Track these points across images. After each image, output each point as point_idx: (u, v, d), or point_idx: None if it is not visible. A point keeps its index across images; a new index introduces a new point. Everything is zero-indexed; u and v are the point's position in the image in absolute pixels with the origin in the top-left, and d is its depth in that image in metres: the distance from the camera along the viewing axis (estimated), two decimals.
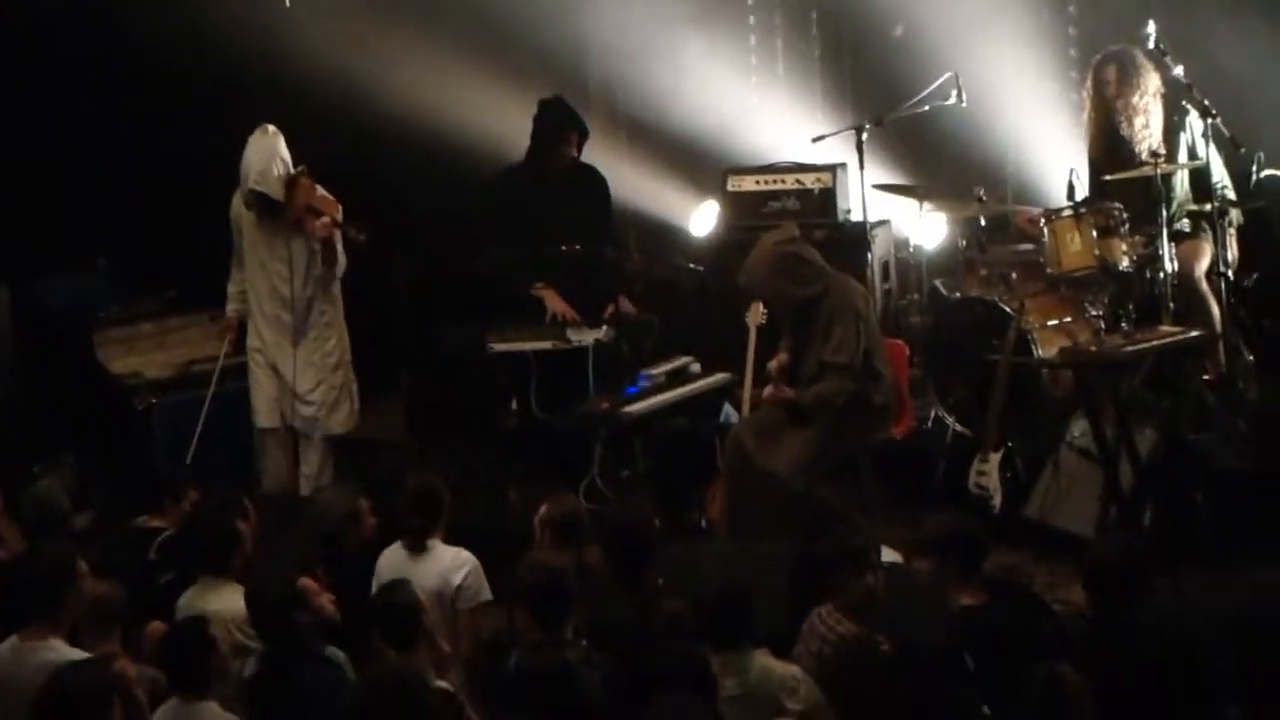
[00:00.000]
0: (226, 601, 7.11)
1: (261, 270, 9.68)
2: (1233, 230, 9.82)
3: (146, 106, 10.96)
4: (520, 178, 10.46)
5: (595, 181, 10.55)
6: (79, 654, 6.46)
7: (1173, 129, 9.90)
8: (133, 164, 10.86)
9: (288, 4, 9.83)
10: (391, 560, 7.59)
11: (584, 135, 10.42)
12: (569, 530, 7.51)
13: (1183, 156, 9.86)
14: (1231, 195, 9.84)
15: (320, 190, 9.58)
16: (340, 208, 9.56)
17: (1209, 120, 9.64)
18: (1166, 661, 5.89)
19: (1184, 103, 9.80)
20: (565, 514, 7.59)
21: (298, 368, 9.64)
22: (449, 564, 7.47)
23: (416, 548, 7.57)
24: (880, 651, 6.36)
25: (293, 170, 9.52)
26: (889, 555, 8.37)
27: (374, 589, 7.37)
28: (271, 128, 9.56)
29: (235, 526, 7.50)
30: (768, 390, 8.98)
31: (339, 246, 9.59)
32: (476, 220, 10.64)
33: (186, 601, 7.30)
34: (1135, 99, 9.88)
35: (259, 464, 9.83)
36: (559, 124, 10.36)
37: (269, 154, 9.47)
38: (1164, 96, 9.91)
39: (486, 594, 7.51)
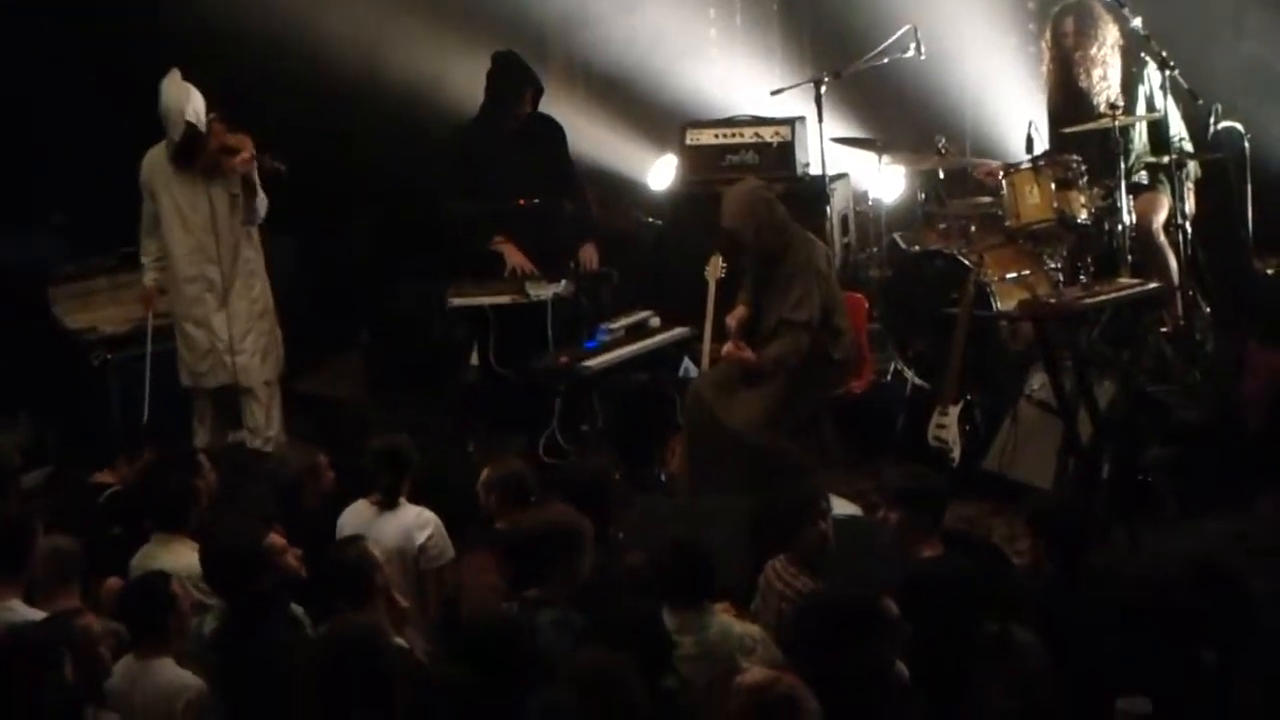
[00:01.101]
0: (181, 558, 7.06)
1: (183, 229, 9.52)
2: (1190, 184, 9.84)
3: (102, 61, 10.87)
4: (477, 132, 10.42)
5: (553, 131, 10.52)
6: (37, 614, 6.42)
7: (1131, 81, 9.91)
8: (88, 119, 10.77)
9: None
10: (355, 517, 7.54)
11: (539, 91, 10.38)
12: (513, 493, 7.47)
13: (1141, 108, 9.87)
14: (1189, 147, 9.85)
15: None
16: (252, 143, 9.45)
17: (1167, 72, 9.66)
18: (1138, 608, 5.89)
19: (1142, 54, 9.80)
20: (507, 476, 7.55)
21: (230, 318, 9.54)
22: (412, 522, 7.43)
23: (389, 504, 7.51)
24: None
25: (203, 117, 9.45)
26: (848, 508, 8.41)
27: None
28: (177, 72, 9.47)
29: (190, 483, 7.45)
30: (726, 348, 8.97)
31: (258, 182, 9.48)
32: (436, 176, 10.59)
33: (140, 559, 7.25)
34: (1093, 50, 9.88)
35: (193, 424, 9.73)
36: (514, 82, 10.31)
37: (189, 94, 9.35)
38: (1123, 48, 9.91)
39: (450, 553, 7.46)
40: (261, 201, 9.46)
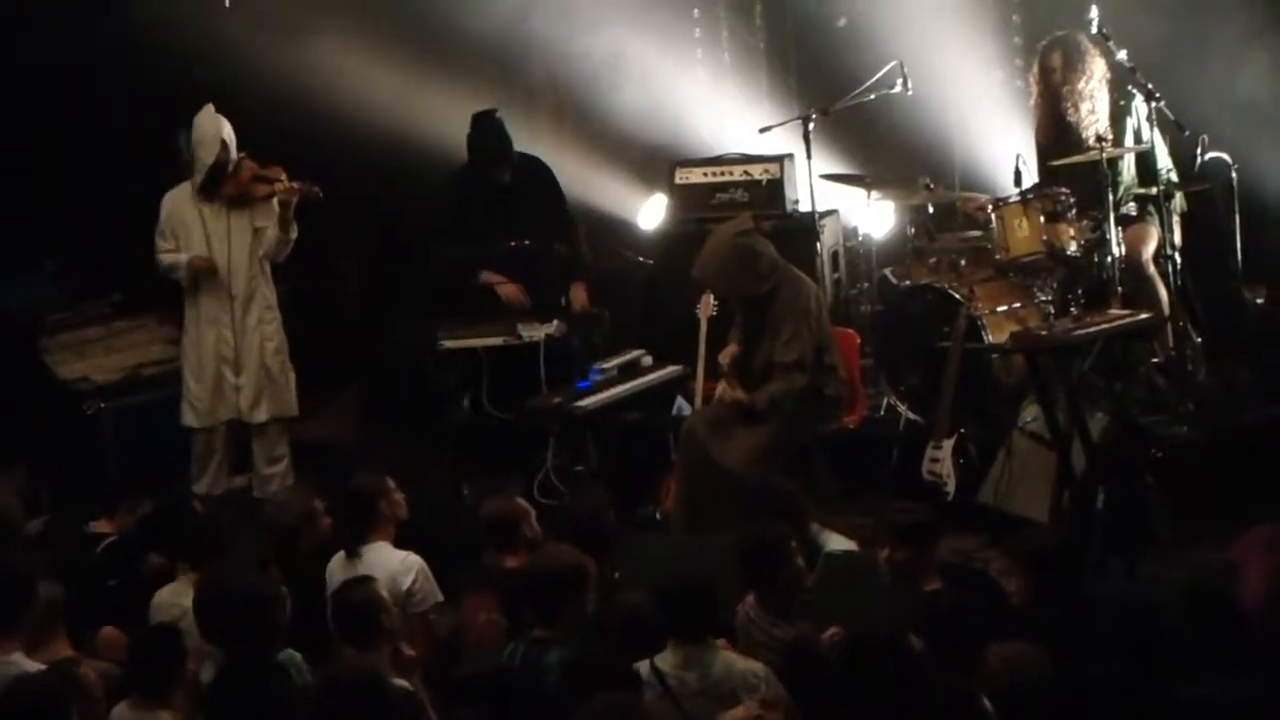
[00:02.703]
0: None
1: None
2: (1176, 216, 9.87)
3: (92, 109, 10.89)
4: (469, 178, 10.51)
5: (542, 171, 10.60)
6: (38, 666, 6.41)
7: (1119, 113, 9.93)
8: (78, 167, 10.80)
9: (227, 4, 9.78)
10: (338, 564, 7.53)
11: (510, 160, 10.45)
12: (501, 531, 7.49)
13: (1129, 140, 9.90)
14: (1176, 178, 9.88)
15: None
16: (284, 171, 9.57)
17: (1153, 104, 9.70)
18: (1123, 641, 5.90)
19: (1129, 87, 9.84)
20: (495, 514, 7.60)
21: (243, 354, 9.58)
22: (396, 568, 7.36)
23: (350, 553, 7.47)
24: (820, 649, 6.41)
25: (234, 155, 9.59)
26: (843, 543, 8.41)
27: (327, 593, 7.31)
28: (211, 106, 9.62)
29: (217, 523, 7.46)
30: (720, 388, 8.99)
31: (292, 213, 9.56)
32: (426, 219, 10.63)
33: (169, 598, 7.25)
34: (1081, 84, 9.91)
35: (193, 460, 9.75)
36: (487, 147, 10.44)
37: (223, 124, 9.59)
38: (1110, 81, 9.95)
39: (437, 596, 7.42)
40: (292, 236, 9.52)
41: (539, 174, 10.58)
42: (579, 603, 6.55)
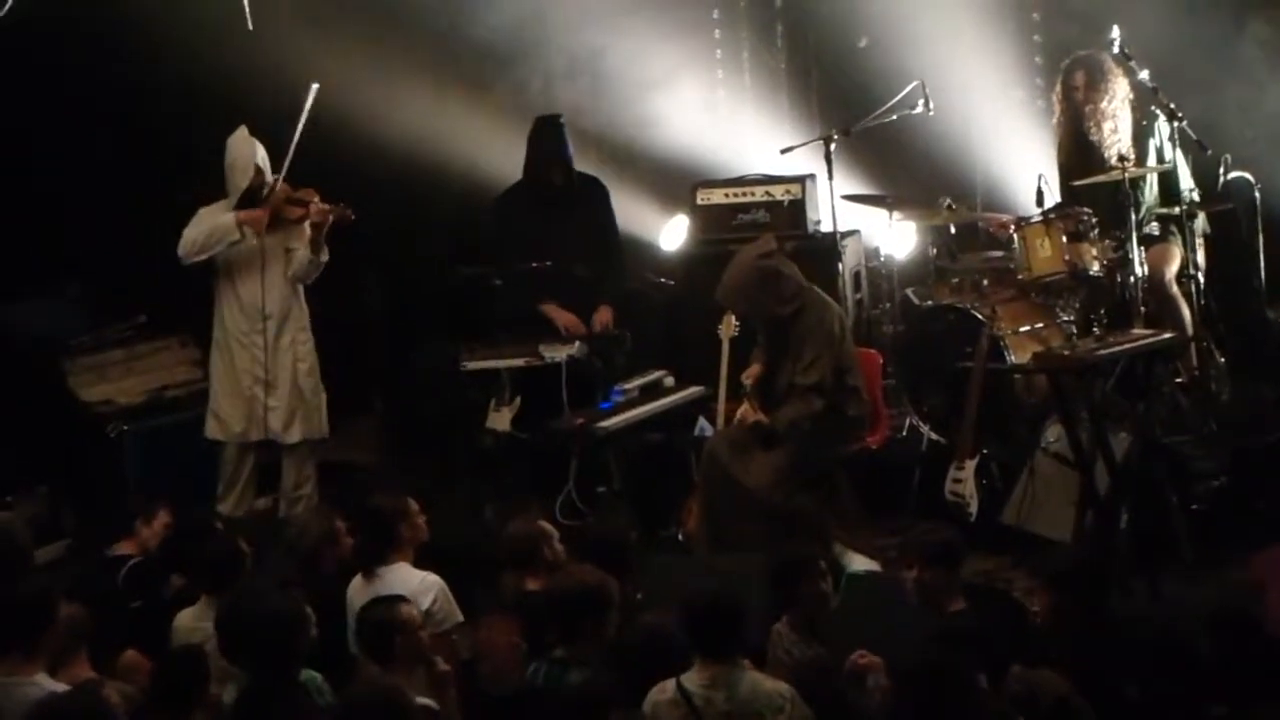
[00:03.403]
0: None
1: (233, 282, 9.67)
2: (1200, 239, 9.85)
3: (115, 132, 10.92)
4: (521, 195, 10.57)
5: (598, 192, 10.66)
6: (62, 687, 6.41)
7: (1142, 133, 9.93)
8: (102, 189, 10.82)
9: (250, 26, 9.80)
10: (358, 585, 7.53)
11: (565, 163, 10.48)
12: (519, 553, 7.50)
13: (1152, 160, 9.89)
14: (1197, 198, 9.87)
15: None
16: (316, 194, 9.62)
17: (1175, 123, 9.69)
18: (1148, 662, 5.88)
19: (1152, 107, 9.83)
20: (515, 536, 7.61)
21: (274, 375, 9.62)
22: (415, 588, 7.34)
23: (370, 573, 7.48)
24: (835, 672, 6.44)
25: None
26: (866, 564, 8.40)
27: (347, 615, 7.32)
28: (245, 128, 9.70)
29: (239, 545, 7.47)
30: (742, 409, 8.99)
31: (324, 235, 9.61)
32: (485, 241, 10.73)
33: (189, 621, 7.26)
34: (1104, 104, 9.91)
35: (221, 479, 9.77)
36: (544, 150, 10.48)
37: (257, 146, 9.66)
38: (1133, 101, 9.94)
39: (457, 616, 7.42)
40: (323, 259, 9.56)
41: (595, 195, 10.65)
42: (602, 623, 6.56)
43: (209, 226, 9.62)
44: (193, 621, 7.24)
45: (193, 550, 7.64)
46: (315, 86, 9.64)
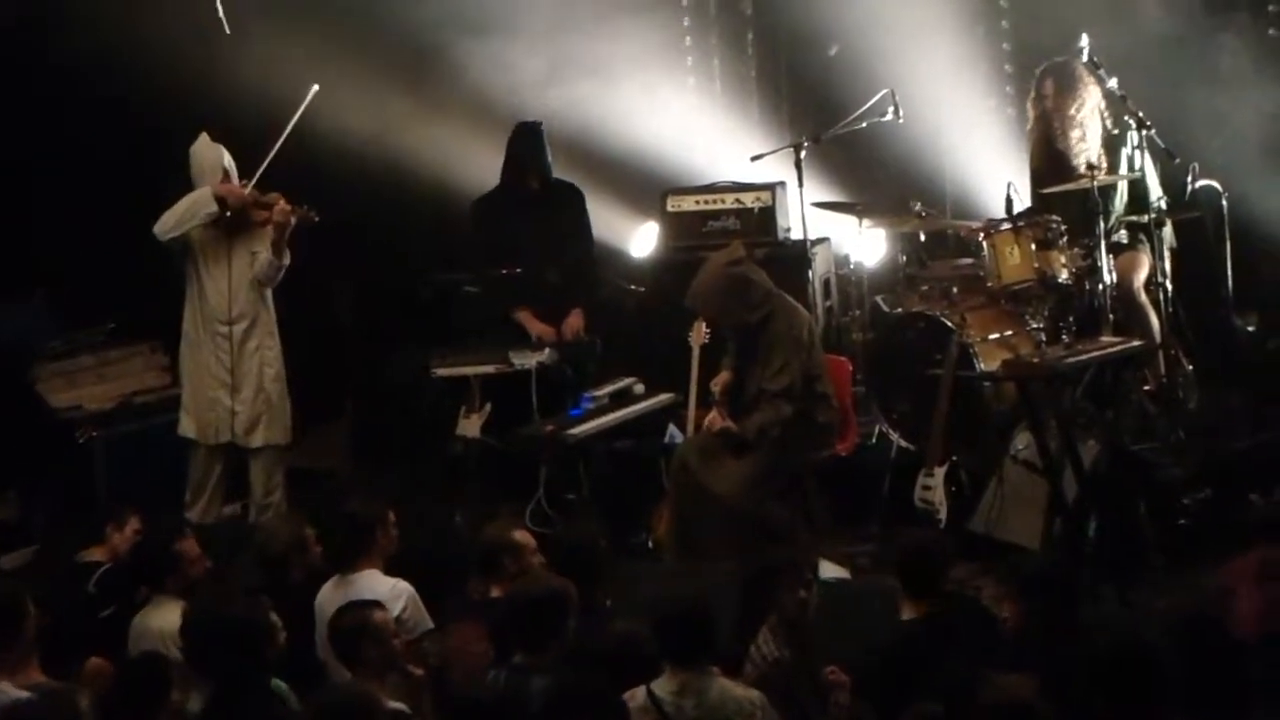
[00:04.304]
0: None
1: (199, 290, 9.67)
2: (1168, 251, 9.90)
3: (82, 137, 10.89)
4: (497, 200, 10.57)
5: (573, 198, 10.66)
6: (24, 694, 6.39)
7: (1113, 142, 9.97)
8: (69, 195, 10.79)
9: (227, 31, 9.79)
10: (328, 591, 7.52)
11: (541, 170, 10.50)
12: (486, 561, 7.51)
13: (1124, 168, 9.93)
14: (1165, 206, 9.92)
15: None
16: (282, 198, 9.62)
17: (1143, 132, 9.74)
18: (1113, 669, 5.90)
19: (1124, 116, 9.88)
20: (482, 544, 7.62)
21: (240, 378, 9.61)
22: (386, 595, 7.34)
23: (341, 579, 7.49)
24: (793, 675, 6.46)
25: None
26: (836, 571, 8.41)
27: (317, 620, 7.32)
28: (206, 135, 9.71)
29: (173, 545, 7.48)
30: (711, 416, 9.00)
31: (287, 237, 9.60)
32: (459, 246, 10.73)
33: (140, 620, 7.29)
34: (1071, 111, 9.96)
35: (189, 485, 9.76)
36: (521, 155, 10.51)
37: (222, 152, 9.69)
38: (1105, 109, 9.97)
39: (427, 623, 7.44)
40: (285, 261, 9.55)
41: (571, 201, 10.66)
42: (561, 629, 6.56)
43: (187, 201, 9.62)
44: (147, 621, 7.24)
45: (158, 555, 7.64)
46: (315, 88, 9.65)
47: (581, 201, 10.68)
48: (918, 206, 10.46)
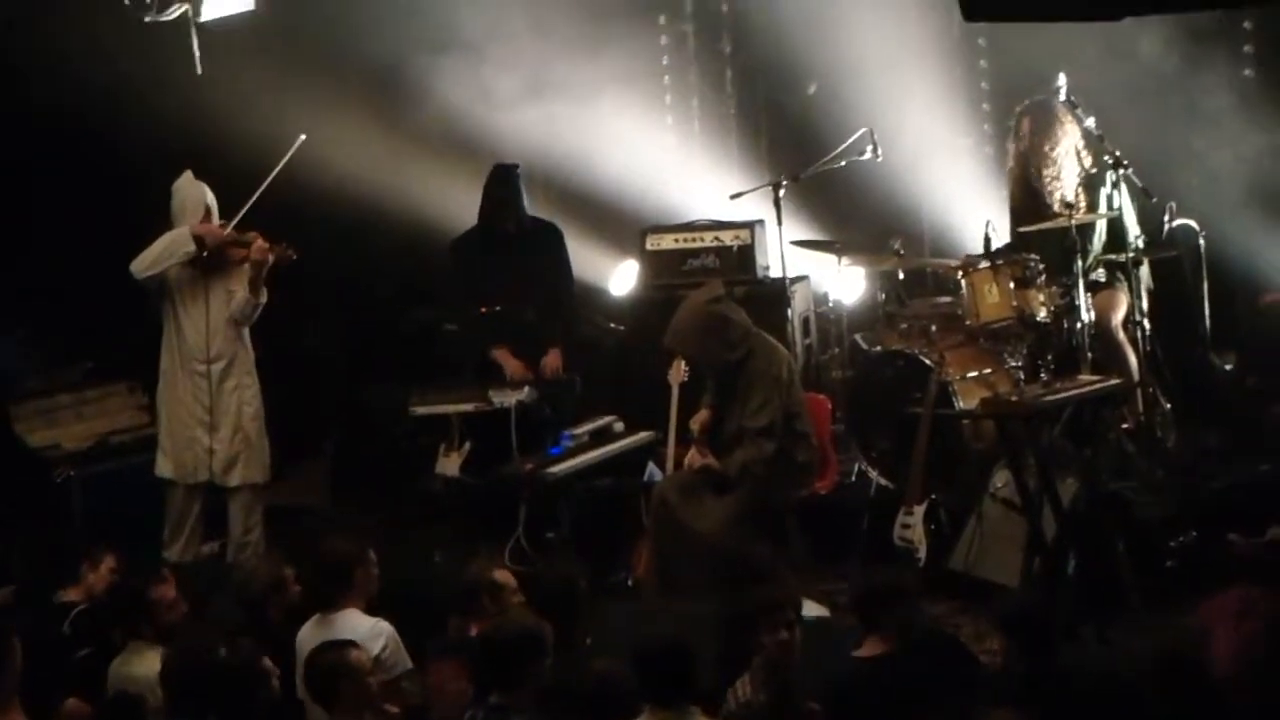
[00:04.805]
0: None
1: (177, 329, 9.66)
2: (1144, 288, 9.93)
3: (61, 177, 10.88)
4: (476, 239, 10.58)
5: (553, 237, 10.67)
6: None
7: (1093, 181, 9.98)
8: (48, 234, 10.78)
9: (199, 71, 9.79)
10: (308, 630, 7.50)
11: (517, 211, 10.51)
12: (464, 600, 7.50)
13: (1103, 206, 9.96)
14: (1143, 245, 9.96)
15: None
16: (260, 236, 9.62)
17: (1120, 171, 9.77)
18: (1093, 707, 5.91)
19: (1102, 155, 9.91)
20: (461, 584, 7.59)
21: (217, 417, 9.60)
22: (366, 634, 7.32)
23: (321, 618, 7.46)
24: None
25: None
26: (815, 610, 8.40)
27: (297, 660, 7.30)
28: (190, 172, 9.71)
29: (146, 591, 7.45)
30: (691, 454, 9.00)
31: (264, 275, 9.59)
32: (438, 285, 10.74)
33: (118, 667, 7.23)
34: (1048, 150, 9.98)
35: (167, 524, 9.73)
36: (498, 197, 10.50)
37: (204, 190, 9.67)
38: (1086, 148, 9.99)
39: (406, 663, 7.41)
40: (261, 299, 9.55)
41: (550, 240, 10.67)
42: (536, 670, 6.54)
43: (165, 240, 9.60)
44: (124, 668, 7.21)
45: (134, 599, 7.61)
46: (302, 137, 9.66)
47: (560, 240, 10.69)
48: (896, 245, 10.48)
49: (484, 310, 10.14)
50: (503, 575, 7.66)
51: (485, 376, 10.22)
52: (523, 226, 10.52)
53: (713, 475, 8.91)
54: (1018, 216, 10.21)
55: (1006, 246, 10.04)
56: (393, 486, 10.49)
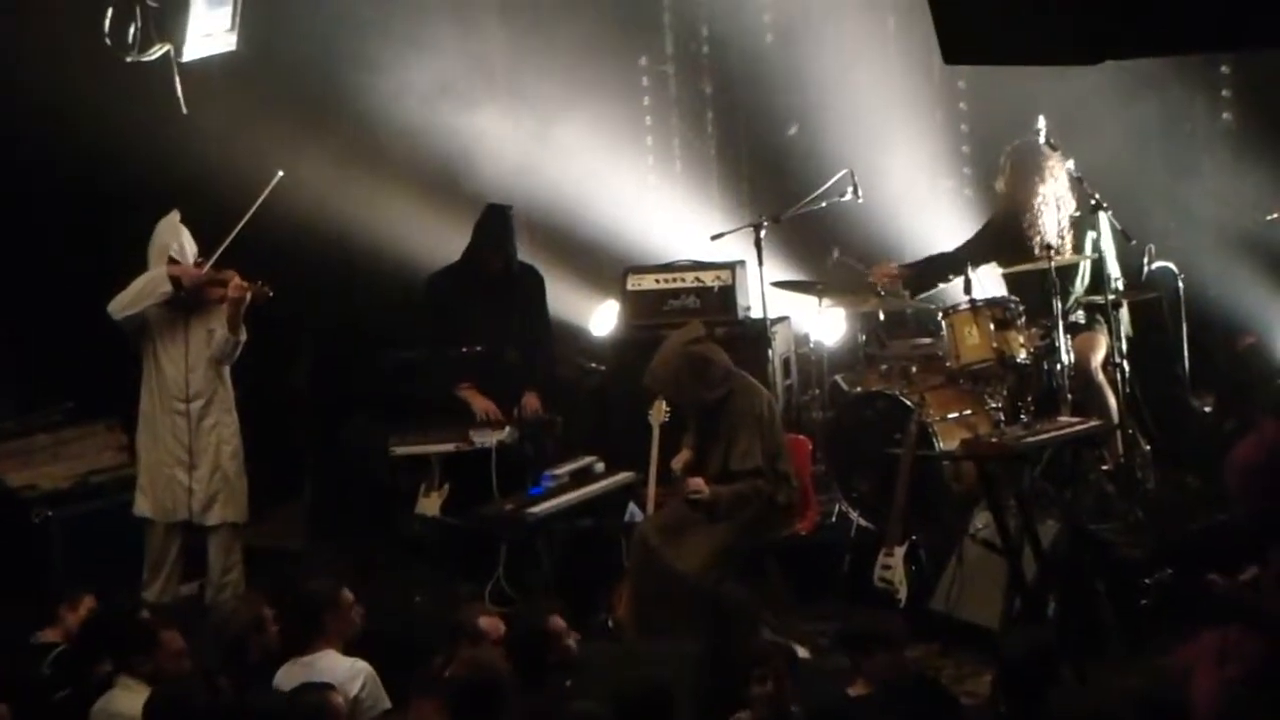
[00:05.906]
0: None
1: (157, 368, 9.65)
2: (1123, 333, 9.95)
3: (40, 215, 10.87)
4: (454, 279, 10.59)
5: (534, 281, 10.70)
6: None
7: (1079, 224, 10.02)
8: (27, 273, 10.76)
9: (184, 111, 9.80)
10: (285, 672, 7.47)
11: (508, 255, 10.51)
12: (449, 642, 7.49)
13: (1088, 248, 9.99)
14: (1122, 287, 9.99)
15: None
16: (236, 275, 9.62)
17: (1100, 213, 9.82)
18: None
19: (1083, 197, 9.95)
20: (451, 625, 7.59)
21: (196, 456, 9.59)
22: (344, 674, 7.30)
23: (298, 660, 7.43)
24: None
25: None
26: (798, 651, 8.38)
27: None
28: (177, 213, 9.72)
29: (149, 625, 7.41)
30: (694, 480, 8.98)
31: (242, 314, 9.59)
32: (412, 323, 10.73)
33: (103, 705, 7.19)
34: (1028, 193, 10.01)
35: (146, 564, 9.70)
36: (489, 235, 10.51)
37: (181, 232, 9.68)
38: (1070, 191, 10.02)
39: (385, 703, 7.38)
40: (241, 338, 9.55)
41: (530, 283, 10.69)
42: (495, 713, 6.53)
43: (142, 281, 9.61)
44: (109, 705, 7.17)
45: (116, 633, 7.58)
46: (280, 174, 9.67)
47: (541, 285, 10.71)
48: (836, 253, 10.51)
49: (467, 350, 10.13)
50: (488, 623, 7.65)
51: (453, 414, 10.20)
52: (510, 268, 10.53)
53: (698, 510, 8.89)
54: (996, 253, 10.20)
55: (940, 256, 10.11)
56: (372, 527, 10.45)
